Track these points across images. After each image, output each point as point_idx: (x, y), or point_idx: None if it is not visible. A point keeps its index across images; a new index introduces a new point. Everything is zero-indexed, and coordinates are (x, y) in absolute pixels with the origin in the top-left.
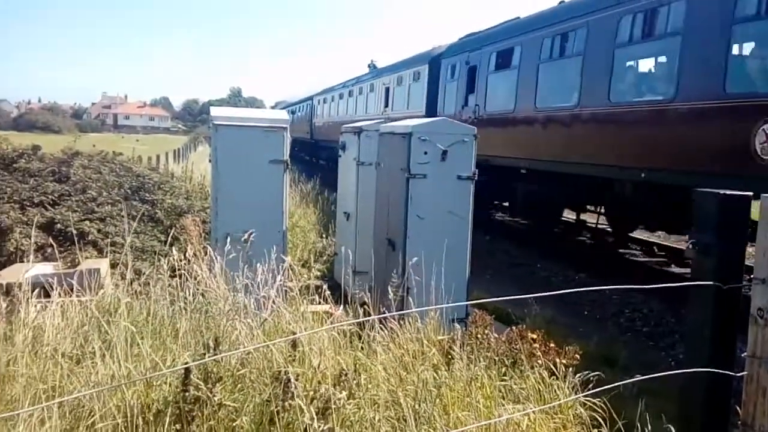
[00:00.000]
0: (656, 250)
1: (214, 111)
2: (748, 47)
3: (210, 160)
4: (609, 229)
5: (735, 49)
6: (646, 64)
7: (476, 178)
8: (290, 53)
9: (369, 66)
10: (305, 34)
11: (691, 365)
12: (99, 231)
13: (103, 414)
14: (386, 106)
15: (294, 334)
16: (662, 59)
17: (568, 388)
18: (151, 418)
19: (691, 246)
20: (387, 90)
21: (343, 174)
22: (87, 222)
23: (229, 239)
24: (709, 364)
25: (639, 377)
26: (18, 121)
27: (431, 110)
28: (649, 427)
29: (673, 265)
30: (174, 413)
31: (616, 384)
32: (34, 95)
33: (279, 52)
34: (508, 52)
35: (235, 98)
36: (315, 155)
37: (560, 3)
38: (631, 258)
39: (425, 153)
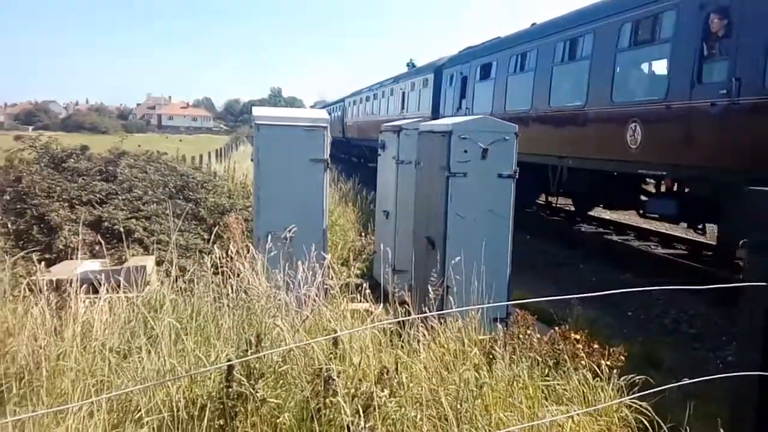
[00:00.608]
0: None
1: (256, 111)
2: (624, 69)
3: (252, 160)
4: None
5: (618, 70)
6: (569, 80)
7: (517, 176)
8: (332, 52)
9: (408, 65)
10: (347, 33)
11: (742, 368)
12: (145, 229)
13: (150, 408)
14: (402, 108)
15: (335, 332)
16: (578, 79)
17: (612, 390)
18: (196, 413)
19: (743, 246)
20: (403, 94)
21: (383, 173)
22: (133, 220)
23: (270, 237)
24: (763, 367)
25: (686, 380)
26: (66, 122)
27: (435, 112)
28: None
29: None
30: (217, 408)
31: (664, 387)
32: (81, 96)
33: (321, 50)
34: (488, 65)
35: (276, 98)
36: (347, 152)
37: (532, 24)
38: (676, 258)
39: (465, 151)
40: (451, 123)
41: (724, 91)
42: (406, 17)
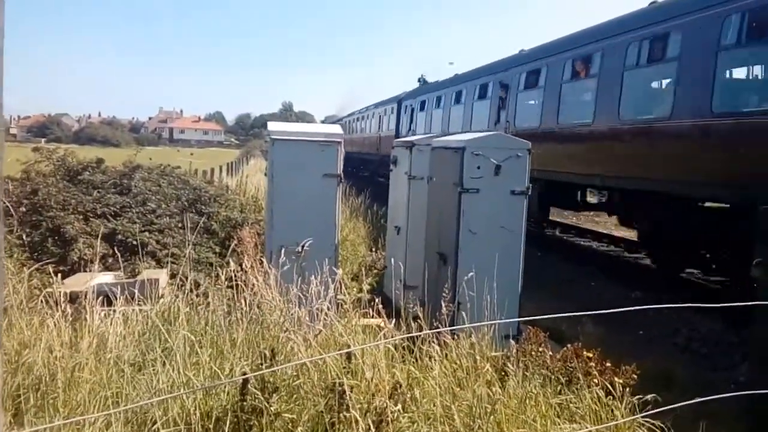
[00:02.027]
0: (714, 267)
1: (272, 126)
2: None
3: (266, 174)
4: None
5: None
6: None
7: (529, 193)
8: (342, 66)
9: (419, 80)
10: (357, 47)
11: (757, 387)
12: (158, 242)
13: (166, 421)
14: (379, 128)
15: (348, 346)
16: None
17: (625, 408)
18: (211, 426)
19: (757, 265)
20: (380, 117)
21: (394, 188)
22: (146, 233)
23: (283, 251)
24: None
25: (699, 399)
26: (79, 134)
27: (397, 132)
28: None
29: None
30: (232, 422)
31: (677, 405)
32: (94, 109)
33: (331, 64)
34: (424, 101)
35: (287, 112)
36: (346, 164)
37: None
38: (687, 277)
39: (478, 168)
40: (464, 139)
41: None
42: (413, 33)
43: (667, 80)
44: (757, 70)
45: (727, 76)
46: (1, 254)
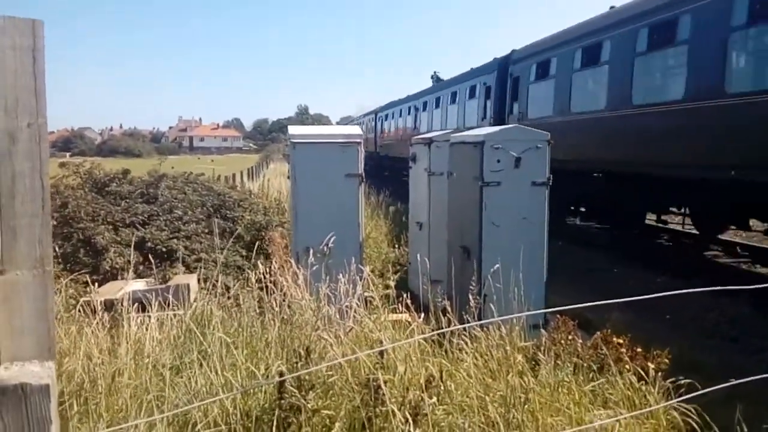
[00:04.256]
0: (739, 251)
1: (292, 129)
2: None
3: (288, 177)
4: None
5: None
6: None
7: (551, 183)
8: (357, 68)
9: (432, 78)
10: (371, 49)
11: None
12: (186, 248)
13: (206, 422)
14: (366, 132)
15: (379, 342)
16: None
17: (658, 393)
18: (251, 426)
19: None
20: (366, 124)
21: (415, 184)
22: (174, 240)
23: (311, 251)
24: None
25: (733, 381)
26: (102, 147)
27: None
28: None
29: (758, 266)
30: (271, 420)
31: (712, 388)
32: (115, 122)
33: (345, 67)
34: (388, 114)
35: (303, 116)
36: None
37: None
38: (713, 259)
39: (498, 161)
40: (483, 133)
41: None
42: (427, 33)
43: None
44: None
45: None
46: (50, 267)
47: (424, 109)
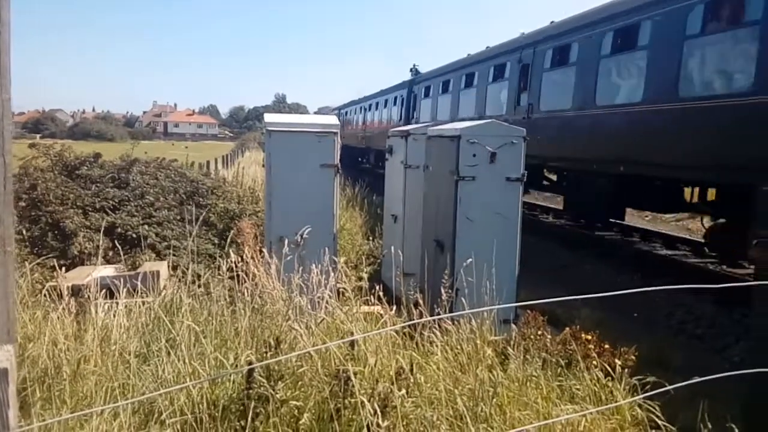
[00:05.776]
0: (707, 251)
1: (268, 117)
2: None
3: (263, 165)
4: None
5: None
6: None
7: (525, 179)
8: (335, 58)
9: (411, 71)
10: (350, 40)
11: (757, 366)
12: (157, 235)
13: (172, 411)
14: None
15: (350, 333)
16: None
17: (624, 389)
18: (218, 415)
19: (757, 245)
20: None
21: (390, 177)
22: (145, 226)
23: (285, 241)
24: None
25: (696, 378)
26: (73, 129)
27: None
28: (710, 427)
29: (724, 266)
30: (238, 410)
31: (676, 386)
32: (88, 104)
33: (324, 57)
34: (350, 110)
35: (280, 104)
36: None
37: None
38: (681, 259)
39: (474, 155)
40: (460, 128)
41: None
42: (410, 24)
43: None
44: None
45: None
46: (12, 248)
47: (369, 109)
